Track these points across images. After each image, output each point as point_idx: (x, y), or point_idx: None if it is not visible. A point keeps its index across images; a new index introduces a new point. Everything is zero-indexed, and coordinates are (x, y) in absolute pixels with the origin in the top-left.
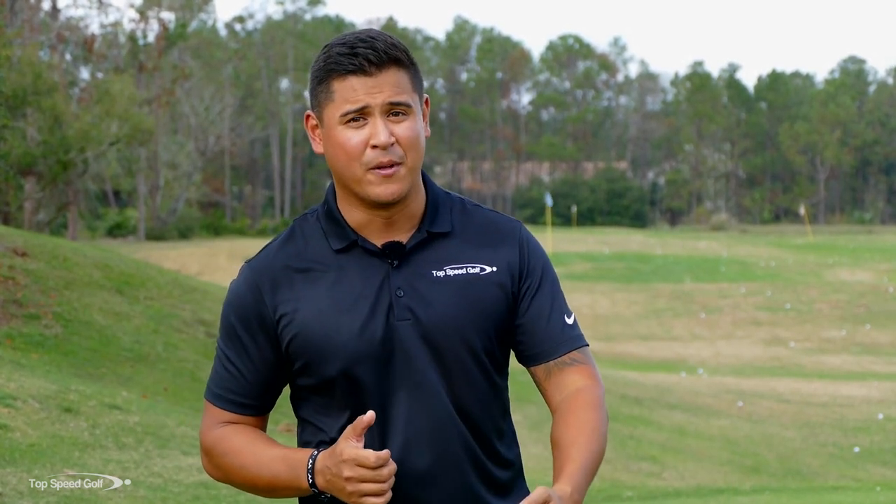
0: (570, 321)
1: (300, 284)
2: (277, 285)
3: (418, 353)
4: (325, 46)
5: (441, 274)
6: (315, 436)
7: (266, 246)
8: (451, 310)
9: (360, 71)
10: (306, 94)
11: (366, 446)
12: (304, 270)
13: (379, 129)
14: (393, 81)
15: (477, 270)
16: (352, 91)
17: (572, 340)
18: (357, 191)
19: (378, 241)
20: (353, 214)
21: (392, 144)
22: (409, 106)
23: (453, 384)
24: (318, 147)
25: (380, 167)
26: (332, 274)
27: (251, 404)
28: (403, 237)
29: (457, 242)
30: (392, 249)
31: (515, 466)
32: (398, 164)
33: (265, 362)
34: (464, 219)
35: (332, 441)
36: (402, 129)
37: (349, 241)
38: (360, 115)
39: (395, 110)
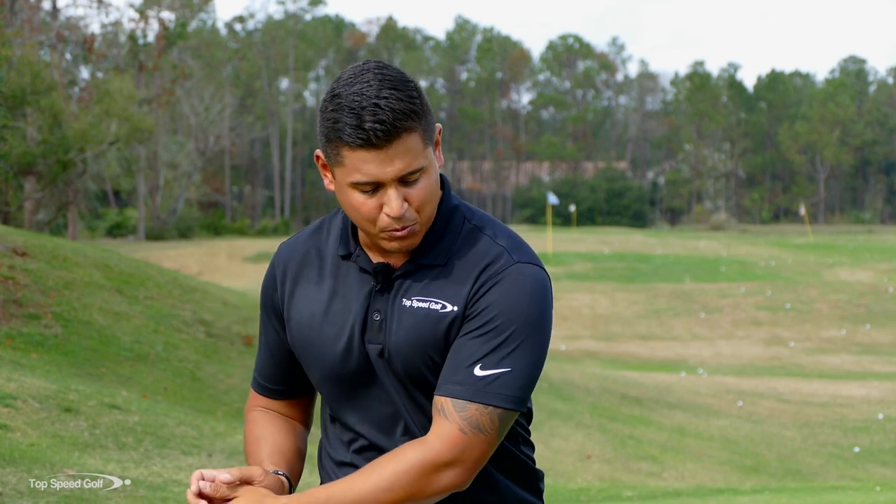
0: (480, 372)
1: (305, 281)
2: (289, 276)
3: (383, 377)
4: (334, 96)
5: (408, 304)
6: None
7: (297, 233)
8: (402, 343)
9: (368, 145)
10: (306, 93)
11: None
12: (313, 268)
13: (392, 200)
14: (404, 150)
15: (438, 307)
16: (362, 163)
17: (455, 388)
18: (371, 239)
19: (374, 258)
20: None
21: (406, 210)
22: (422, 169)
23: (410, 410)
24: (329, 186)
25: (394, 230)
26: (332, 281)
27: (276, 388)
28: (398, 261)
29: (441, 274)
30: (380, 272)
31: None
32: (412, 223)
33: (282, 345)
34: (464, 247)
35: (331, 419)
36: (416, 190)
37: (348, 251)
38: (371, 188)
39: (408, 179)
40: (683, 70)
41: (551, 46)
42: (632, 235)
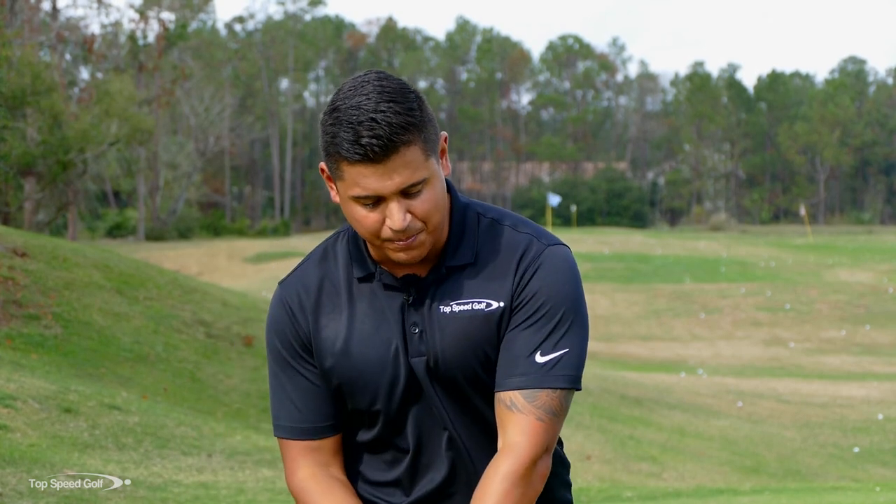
0: (541, 359)
1: (328, 311)
2: (308, 308)
3: (428, 389)
4: (333, 110)
5: (447, 310)
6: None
7: (298, 265)
8: (451, 349)
9: (366, 160)
10: (306, 94)
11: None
12: (331, 295)
13: (394, 214)
14: (404, 163)
15: (483, 306)
16: (362, 177)
17: (520, 379)
18: (378, 251)
19: (398, 272)
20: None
21: (409, 221)
22: (423, 181)
23: (464, 418)
24: (335, 198)
25: (399, 241)
26: (356, 304)
27: (326, 425)
28: (423, 270)
29: (473, 273)
30: (409, 283)
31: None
32: (418, 233)
33: (320, 378)
34: (489, 242)
35: (356, 445)
36: (419, 202)
37: (368, 272)
38: (372, 202)
39: (410, 191)
40: (683, 70)
41: (551, 47)
42: (632, 236)
